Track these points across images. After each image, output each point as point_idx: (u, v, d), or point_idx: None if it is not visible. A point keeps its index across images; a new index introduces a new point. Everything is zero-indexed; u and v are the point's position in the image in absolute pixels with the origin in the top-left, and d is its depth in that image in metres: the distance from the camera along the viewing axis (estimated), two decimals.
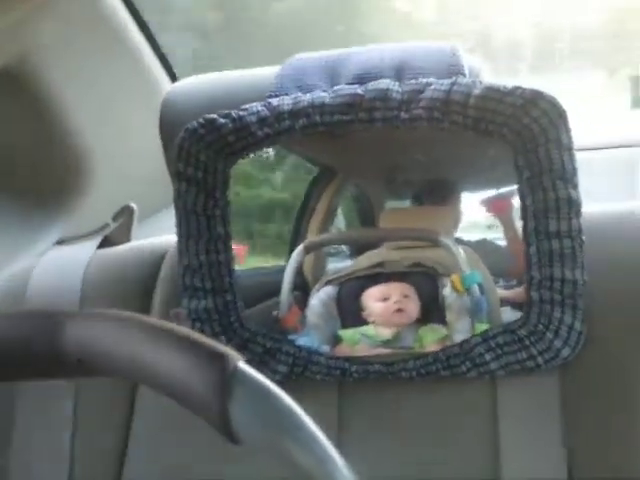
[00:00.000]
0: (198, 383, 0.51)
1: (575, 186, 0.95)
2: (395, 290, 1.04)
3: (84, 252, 1.18)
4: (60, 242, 1.25)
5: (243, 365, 0.51)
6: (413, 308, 1.04)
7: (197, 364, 0.51)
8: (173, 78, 1.42)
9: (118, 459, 1.08)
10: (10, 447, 1.09)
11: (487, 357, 0.99)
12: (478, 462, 1.00)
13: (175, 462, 1.07)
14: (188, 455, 1.06)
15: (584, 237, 0.95)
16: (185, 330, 0.53)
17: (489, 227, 1.04)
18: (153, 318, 0.53)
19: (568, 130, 0.94)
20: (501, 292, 1.02)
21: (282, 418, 0.51)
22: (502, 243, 1.03)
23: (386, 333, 1.04)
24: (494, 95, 0.94)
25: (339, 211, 1.10)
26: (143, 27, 1.32)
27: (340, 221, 1.10)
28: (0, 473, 1.08)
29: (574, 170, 0.94)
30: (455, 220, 1.05)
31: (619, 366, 0.99)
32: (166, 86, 1.38)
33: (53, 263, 1.18)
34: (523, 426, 0.99)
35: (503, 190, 1.02)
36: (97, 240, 1.21)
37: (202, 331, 1.04)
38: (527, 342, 0.97)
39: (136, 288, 1.13)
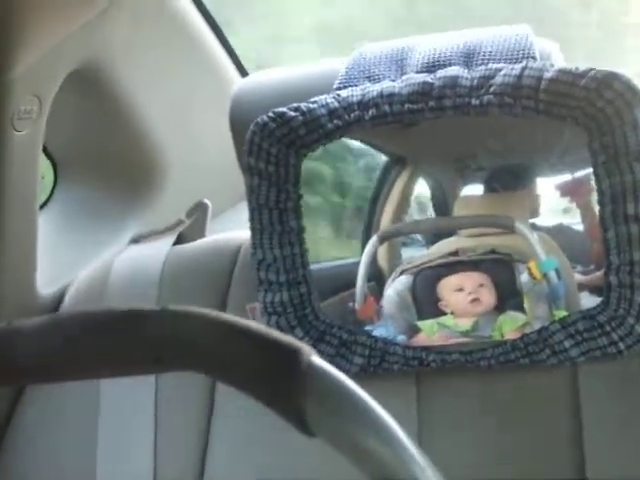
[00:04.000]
0: (272, 378, 0.51)
1: None
2: (469, 280, 1.03)
3: (160, 249, 1.19)
4: (136, 239, 1.26)
5: (317, 359, 0.51)
6: (489, 297, 1.03)
7: (271, 359, 0.51)
8: (243, 73, 1.43)
9: (200, 455, 1.10)
10: (96, 445, 1.11)
11: (567, 344, 0.97)
12: (561, 451, 0.99)
13: (257, 458, 1.07)
14: (271, 448, 1.07)
15: None
16: (258, 326, 0.53)
17: (565, 211, 1.02)
18: (227, 314, 0.54)
19: None
20: (578, 277, 1.01)
21: (356, 411, 0.50)
22: (579, 228, 1.02)
23: (465, 323, 1.03)
24: (566, 78, 0.92)
25: (412, 200, 1.09)
26: (212, 24, 1.33)
27: (414, 210, 1.09)
28: (86, 468, 1.10)
29: None
30: (532, 205, 1.03)
31: None
32: (236, 81, 1.39)
33: (131, 260, 1.19)
34: (606, 413, 0.98)
35: (579, 173, 1.00)
36: (172, 237, 1.22)
37: (278, 324, 1.04)
38: (608, 328, 0.96)
39: (212, 283, 1.14)
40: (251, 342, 0.52)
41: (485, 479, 1.00)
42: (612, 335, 0.96)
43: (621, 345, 0.96)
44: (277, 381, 0.51)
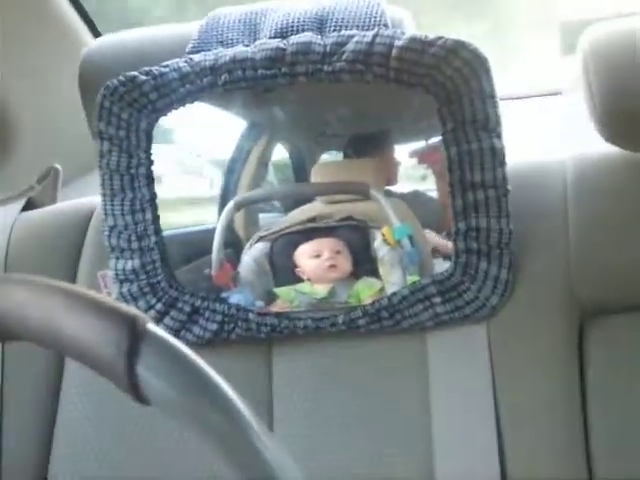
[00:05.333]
0: (106, 345, 0.50)
1: (499, 135, 0.95)
2: (326, 246, 1.04)
3: (8, 215, 1.16)
4: None
5: (151, 326, 0.51)
6: (345, 263, 1.04)
7: (104, 326, 0.50)
8: (96, 34, 1.39)
9: (48, 429, 1.08)
10: None
11: (416, 309, 0.99)
12: (409, 414, 1.01)
13: (106, 429, 1.06)
14: (121, 423, 1.06)
15: (509, 187, 0.95)
16: (94, 294, 0.52)
17: (422, 178, 1.03)
18: (63, 282, 0.52)
19: (491, 79, 0.94)
20: (436, 240, 1.02)
21: (191, 378, 0.50)
22: (434, 194, 1.03)
23: (321, 289, 1.04)
24: (416, 46, 0.93)
25: (270, 166, 1.09)
26: None
27: (272, 176, 1.09)
28: None
29: (498, 119, 0.95)
30: (389, 172, 1.04)
31: (544, 313, 1.00)
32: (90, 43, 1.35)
33: None
34: (453, 376, 1.00)
35: (434, 140, 1.01)
36: (21, 203, 1.19)
37: (129, 291, 1.03)
38: (454, 293, 0.98)
39: (62, 250, 1.12)
40: (85, 310, 0.51)
41: (335, 446, 1.01)
42: (459, 300, 0.98)
43: (467, 310, 0.98)
44: (111, 349, 0.50)
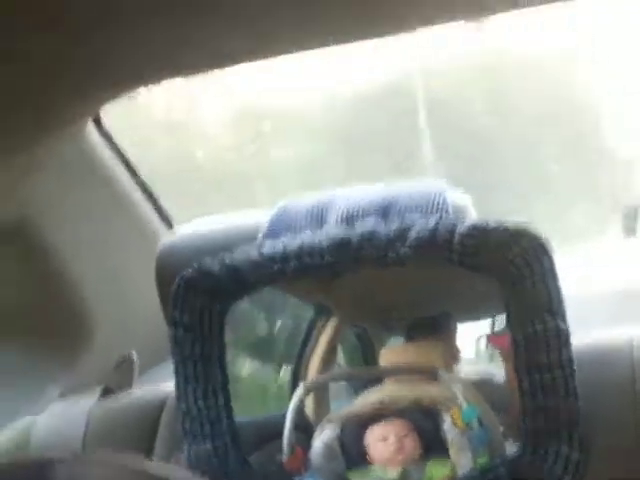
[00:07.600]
0: None
1: (563, 317, 0.96)
2: (393, 429, 1.04)
3: (85, 403, 1.18)
4: (62, 395, 1.25)
5: None
6: (412, 446, 1.03)
7: None
8: (170, 225, 1.44)
9: None
10: None
11: None
12: None
13: None
14: None
15: (575, 367, 0.96)
16: (171, 467, 0.53)
17: (490, 359, 1.04)
18: (140, 460, 0.54)
19: (552, 261, 0.95)
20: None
21: None
22: (501, 375, 1.03)
23: (393, 473, 1.03)
24: (478, 233, 0.96)
25: (339, 349, 1.10)
26: (137, 178, 1.35)
27: (341, 359, 1.11)
28: None
29: (561, 301, 0.96)
30: (453, 352, 1.05)
31: None
32: (163, 234, 1.40)
33: (56, 415, 1.18)
34: None
35: (501, 322, 1.02)
36: (98, 390, 1.21)
37: (203, 476, 1.04)
38: (525, 474, 0.97)
39: (138, 435, 1.13)
40: None
41: None
42: None
43: None
44: None
